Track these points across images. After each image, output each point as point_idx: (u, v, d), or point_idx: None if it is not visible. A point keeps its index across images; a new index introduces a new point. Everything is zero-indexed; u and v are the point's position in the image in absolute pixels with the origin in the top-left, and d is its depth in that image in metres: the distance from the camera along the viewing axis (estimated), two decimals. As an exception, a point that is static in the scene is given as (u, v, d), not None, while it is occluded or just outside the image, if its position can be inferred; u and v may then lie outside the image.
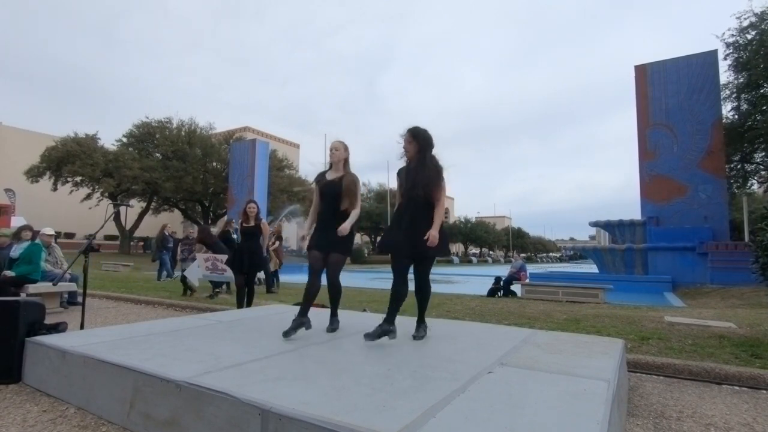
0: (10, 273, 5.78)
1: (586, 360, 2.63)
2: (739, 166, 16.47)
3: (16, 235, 6.42)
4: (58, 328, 3.22)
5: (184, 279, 8.12)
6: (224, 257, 7.13)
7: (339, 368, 2.34)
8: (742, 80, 14.60)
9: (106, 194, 30.16)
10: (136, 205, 32.70)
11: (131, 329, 3.48)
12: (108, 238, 38.25)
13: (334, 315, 3.65)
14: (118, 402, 2.25)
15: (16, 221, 16.59)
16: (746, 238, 14.04)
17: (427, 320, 3.51)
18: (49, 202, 34.41)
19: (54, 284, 5.63)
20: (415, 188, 3.13)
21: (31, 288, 5.76)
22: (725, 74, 15.01)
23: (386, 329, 3.01)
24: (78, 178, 29.73)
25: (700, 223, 13.81)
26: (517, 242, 73.94)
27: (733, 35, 14.20)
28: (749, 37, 13.84)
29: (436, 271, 25.99)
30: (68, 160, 28.56)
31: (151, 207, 34.57)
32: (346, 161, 3.56)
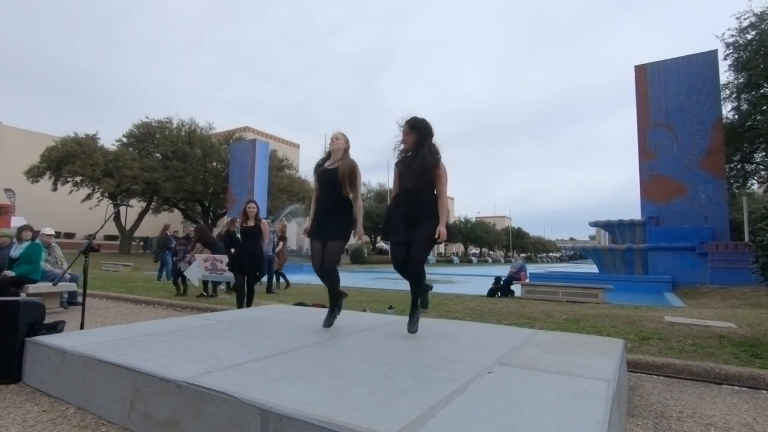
0: (10, 273, 5.78)
1: (586, 360, 2.63)
2: (739, 166, 16.48)
3: (18, 236, 6.42)
4: (56, 327, 3.22)
5: (176, 279, 8.13)
6: (223, 258, 7.16)
7: (339, 368, 2.34)
8: (742, 80, 14.60)
9: (106, 194, 30.15)
10: (136, 205, 32.69)
11: (131, 329, 3.48)
12: (108, 238, 38.24)
13: (332, 308, 3.59)
14: (118, 402, 2.25)
15: (16, 221, 16.59)
16: (746, 238, 14.03)
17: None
18: (49, 202, 34.40)
19: (54, 284, 5.64)
20: (416, 178, 3.12)
21: (31, 288, 5.76)
22: (725, 74, 15.03)
23: (419, 310, 3.33)
24: (78, 178, 29.73)
25: (700, 223, 13.81)
26: (517, 242, 73.95)
27: (733, 35, 14.21)
28: (749, 37, 13.84)
29: (437, 271, 26.04)
30: (68, 160, 28.55)
31: (151, 207, 34.57)
32: (345, 152, 3.56)
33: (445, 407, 1.76)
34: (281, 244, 9.76)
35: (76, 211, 34.25)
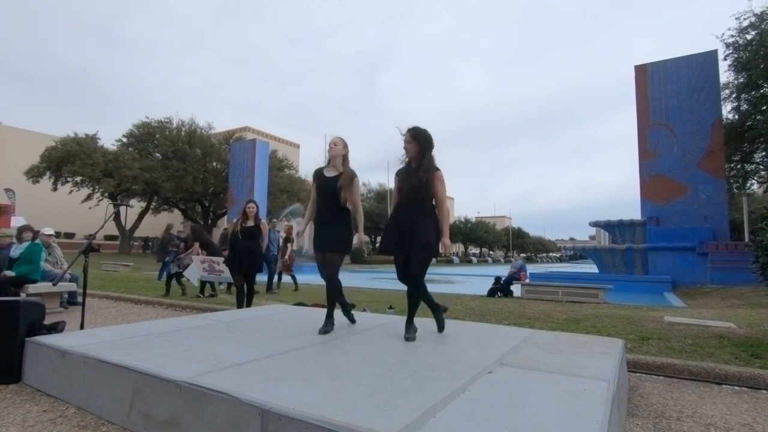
0: (10, 273, 5.78)
1: (586, 360, 2.63)
2: (739, 166, 16.47)
3: (18, 236, 6.42)
4: (56, 327, 3.22)
5: (168, 280, 8.15)
6: (220, 259, 7.21)
7: (339, 368, 2.34)
8: (742, 80, 14.60)
9: (106, 194, 30.15)
10: (136, 205, 32.69)
11: (131, 329, 3.48)
12: (108, 238, 38.26)
13: (329, 316, 3.52)
14: (118, 402, 2.25)
15: (16, 221, 16.58)
16: (746, 238, 14.04)
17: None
18: (49, 202, 34.40)
19: (54, 284, 5.64)
20: (417, 190, 3.13)
21: (31, 288, 5.76)
22: (725, 74, 15.03)
23: (440, 314, 3.45)
24: (78, 178, 29.74)
25: (700, 223, 13.81)
26: (517, 242, 73.95)
27: (732, 35, 14.21)
28: (749, 37, 13.84)
29: (437, 271, 26.03)
30: (68, 160, 28.56)
31: (151, 207, 34.58)
32: (344, 158, 3.53)
33: (445, 407, 1.76)
34: (288, 245, 9.71)
35: (76, 211, 34.26)
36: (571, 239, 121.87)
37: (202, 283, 7.93)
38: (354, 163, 3.60)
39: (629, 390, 2.94)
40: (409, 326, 3.27)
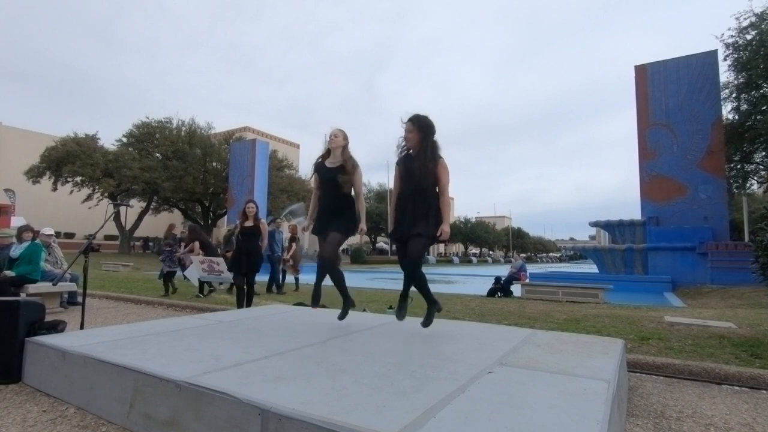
0: (10, 273, 5.78)
1: (586, 360, 2.63)
2: (739, 166, 16.48)
3: (18, 236, 6.42)
4: (57, 327, 3.22)
5: (165, 278, 8.17)
6: (220, 259, 7.22)
7: (339, 368, 2.34)
8: (741, 80, 14.60)
9: (106, 194, 30.16)
10: (136, 205, 32.69)
11: (131, 329, 3.48)
12: (108, 238, 38.25)
13: (345, 300, 3.60)
14: (118, 402, 2.25)
15: (16, 221, 16.59)
16: (746, 238, 14.05)
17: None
18: (49, 202, 34.42)
19: (54, 284, 5.64)
20: (422, 178, 3.11)
21: (31, 288, 5.76)
22: (725, 74, 15.04)
23: (433, 309, 3.29)
24: (78, 178, 29.74)
25: (700, 223, 13.81)
26: (517, 242, 73.99)
27: (732, 36, 14.21)
28: (749, 37, 13.84)
29: (437, 271, 26.03)
30: (68, 161, 28.57)
31: (151, 207, 34.57)
32: (344, 149, 3.52)
33: (445, 407, 1.76)
34: (293, 245, 9.69)
35: (76, 211, 34.25)
36: (571, 239, 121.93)
37: (201, 283, 7.94)
38: (353, 155, 3.60)
39: (629, 390, 2.94)
40: (402, 304, 3.27)
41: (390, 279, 16.88)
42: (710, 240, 13.19)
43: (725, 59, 14.55)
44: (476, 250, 65.86)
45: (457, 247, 66.14)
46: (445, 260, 50.64)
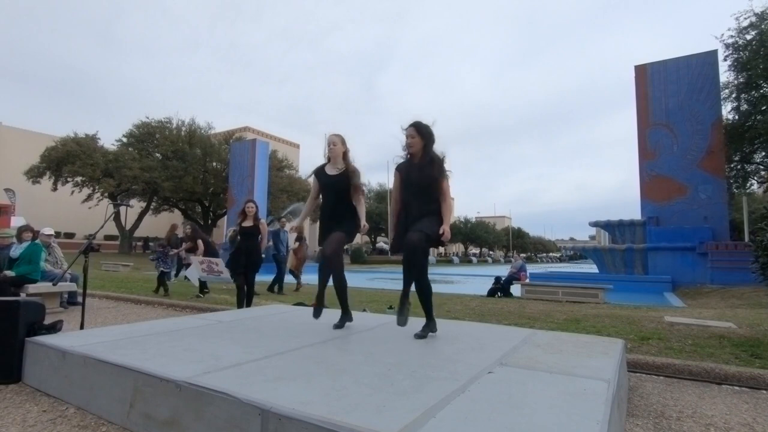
0: (10, 273, 5.78)
1: (586, 360, 2.63)
2: (739, 166, 16.48)
3: (18, 236, 6.42)
4: (55, 327, 3.22)
5: (161, 277, 8.20)
6: (219, 260, 7.23)
7: (339, 368, 2.34)
8: (741, 80, 14.61)
9: (106, 194, 30.16)
10: (136, 205, 32.69)
11: (131, 329, 3.48)
12: (108, 238, 38.26)
13: (344, 312, 3.60)
14: (118, 402, 2.25)
15: (16, 221, 16.61)
16: (746, 238, 14.05)
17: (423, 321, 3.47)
18: (49, 202, 34.42)
19: (54, 284, 5.64)
20: (428, 186, 3.10)
21: (31, 288, 5.76)
22: (725, 74, 15.05)
23: (430, 326, 3.26)
24: (78, 179, 29.74)
25: (700, 223, 13.81)
26: (517, 242, 73.99)
27: (732, 36, 14.22)
28: (749, 37, 13.84)
29: (437, 271, 26.03)
30: (68, 161, 28.57)
31: (151, 207, 34.58)
32: (344, 155, 3.54)
33: (445, 407, 1.76)
34: (297, 244, 9.69)
35: (76, 211, 34.25)
36: (571, 239, 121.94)
37: (202, 283, 7.94)
38: (354, 163, 3.60)
39: (629, 390, 2.94)
40: (403, 307, 3.15)
41: (390, 279, 16.88)
42: (710, 240, 13.19)
43: (725, 59, 14.58)
44: (476, 250, 65.85)
45: (457, 247, 66.14)
46: (445, 260, 50.64)
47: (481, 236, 62.53)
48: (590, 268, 20.94)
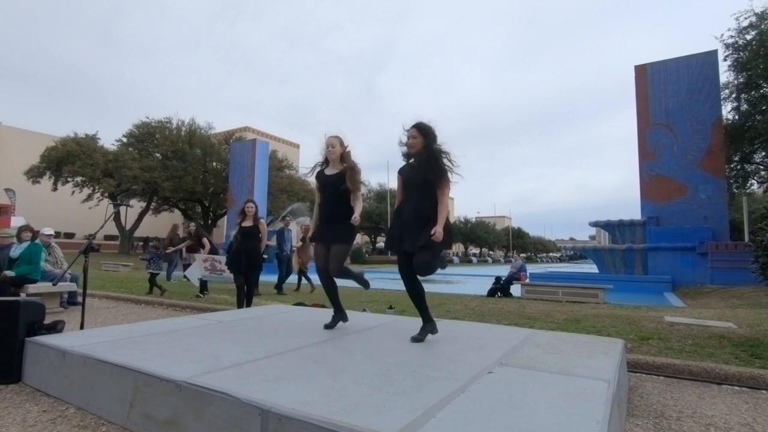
0: (10, 273, 5.78)
1: (586, 360, 2.63)
2: (739, 167, 16.49)
3: (18, 236, 6.42)
4: (56, 327, 3.22)
5: (152, 279, 8.22)
6: (222, 258, 7.22)
7: (339, 368, 2.34)
8: (741, 80, 14.61)
9: (106, 194, 30.16)
10: (136, 205, 32.69)
11: (131, 329, 3.48)
12: (108, 238, 38.26)
13: (338, 311, 3.63)
14: (118, 402, 2.25)
15: (16, 221, 16.61)
16: (746, 238, 14.04)
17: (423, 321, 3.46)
18: (49, 202, 34.43)
19: (54, 284, 5.64)
20: (425, 183, 3.10)
21: (31, 288, 5.76)
22: (725, 74, 15.05)
23: (428, 328, 3.18)
24: (78, 179, 29.74)
25: (700, 223, 13.81)
26: (517, 242, 73.95)
27: (732, 36, 14.22)
28: (749, 37, 13.85)
29: (437, 271, 25.89)
30: (68, 161, 28.56)
31: (151, 207, 34.57)
32: (342, 156, 3.56)
33: (445, 407, 1.76)
34: (301, 243, 9.68)
35: (76, 211, 34.26)
36: (571, 239, 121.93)
37: (203, 282, 7.95)
38: (353, 157, 3.63)
39: (629, 390, 2.94)
40: (423, 326, 3.19)
41: (390, 279, 16.87)
42: (710, 240, 13.18)
43: (725, 59, 14.58)
44: (476, 250, 65.81)
45: (457, 247, 66.09)
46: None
47: (481, 236, 62.49)
48: (590, 268, 20.94)
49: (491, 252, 68.00)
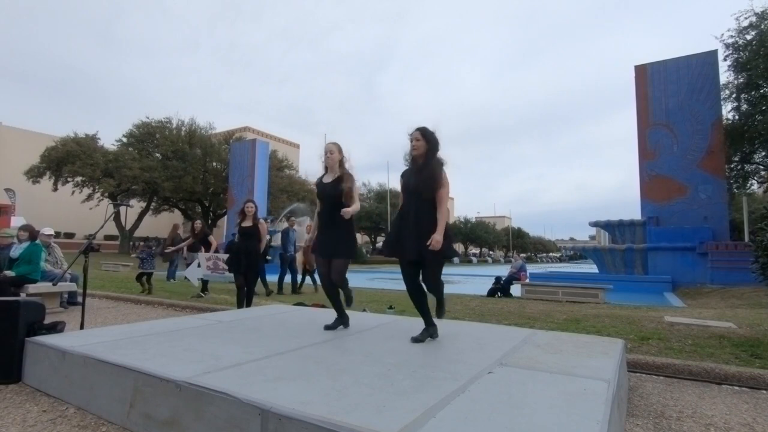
0: (10, 273, 5.78)
1: (586, 360, 2.63)
2: (739, 167, 16.48)
3: (18, 236, 6.42)
4: (56, 328, 3.22)
5: (140, 278, 8.23)
6: (225, 257, 7.19)
7: (339, 368, 2.34)
8: (741, 80, 14.61)
9: (106, 194, 30.16)
10: (136, 205, 32.71)
11: (131, 329, 3.48)
12: (108, 238, 38.27)
13: (341, 315, 3.66)
14: (118, 402, 2.25)
15: (16, 221, 16.61)
16: (746, 238, 14.04)
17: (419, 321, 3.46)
18: (49, 202, 34.42)
19: (54, 284, 5.64)
20: (424, 189, 3.10)
21: (31, 288, 5.76)
22: (725, 74, 15.05)
23: (428, 332, 3.18)
24: (78, 179, 29.75)
25: (700, 223, 13.81)
26: (517, 242, 73.94)
27: (732, 36, 14.22)
28: (749, 37, 13.85)
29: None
30: (68, 160, 28.58)
31: (151, 207, 34.59)
32: (341, 163, 3.59)
33: (445, 407, 1.76)
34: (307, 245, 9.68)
35: (76, 211, 34.29)
36: (571, 239, 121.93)
37: (204, 282, 7.95)
38: (354, 163, 3.67)
39: (629, 390, 2.94)
40: (425, 328, 3.21)
41: (390, 279, 16.87)
42: (710, 240, 13.18)
43: (725, 59, 14.58)
44: (476, 250, 65.80)
45: (457, 247, 66.08)
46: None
47: (481, 236, 62.49)
48: (590, 268, 20.94)
49: (491, 252, 68.01)
